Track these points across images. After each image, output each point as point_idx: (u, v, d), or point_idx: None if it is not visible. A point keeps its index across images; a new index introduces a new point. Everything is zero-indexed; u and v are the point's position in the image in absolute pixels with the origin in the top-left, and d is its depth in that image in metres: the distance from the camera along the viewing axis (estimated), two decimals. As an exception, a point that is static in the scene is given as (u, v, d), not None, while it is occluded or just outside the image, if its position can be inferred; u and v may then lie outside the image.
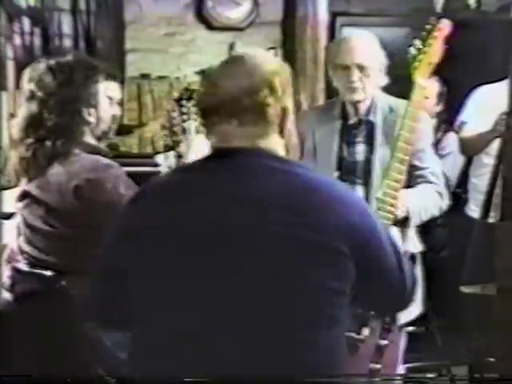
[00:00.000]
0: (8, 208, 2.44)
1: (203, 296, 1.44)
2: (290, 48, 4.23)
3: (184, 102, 2.34)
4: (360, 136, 2.48)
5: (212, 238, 1.45)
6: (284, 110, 1.52)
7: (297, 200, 1.45)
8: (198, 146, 2.24)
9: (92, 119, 2.15)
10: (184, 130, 2.31)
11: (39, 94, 2.12)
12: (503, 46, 3.29)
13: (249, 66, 1.52)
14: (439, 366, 3.29)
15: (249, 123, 1.49)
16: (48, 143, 2.09)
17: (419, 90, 2.29)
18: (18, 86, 3.52)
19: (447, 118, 3.67)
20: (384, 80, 2.47)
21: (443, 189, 2.48)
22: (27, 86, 2.14)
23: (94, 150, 2.14)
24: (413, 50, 2.30)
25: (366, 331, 2.10)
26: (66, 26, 4.09)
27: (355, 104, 2.46)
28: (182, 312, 1.45)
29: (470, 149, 3.30)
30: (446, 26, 2.28)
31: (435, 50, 2.29)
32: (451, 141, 3.56)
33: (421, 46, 2.29)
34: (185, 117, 2.33)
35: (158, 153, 3.71)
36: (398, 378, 2.25)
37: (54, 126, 2.10)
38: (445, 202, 2.48)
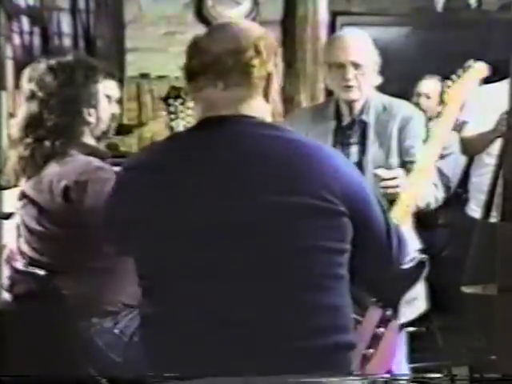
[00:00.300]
0: (8, 208, 2.44)
1: (207, 264, 1.46)
2: (290, 47, 4.22)
3: (171, 101, 2.31)
4: (354, 137, 2.46)
5: (204, 209, 1.47)
6: (269, 75, 1.54)
7: (289, 166, 1.47)
8: None
9: (92, 119, 2.15)
10: (172, 129, 2.28)
11: (40, 93, 2.11)
12: (504, 45, 3.29)
13: (235, 30, 1.55)
14: (440, 367, 3.28)
15: (234, 85, 1.51)
16: (47, 143, 2.09)
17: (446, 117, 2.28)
18: (17, 85, 3.51)
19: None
20: (378, 79, 2.45)
21: (437, 180, 2.45)
22: (27, 85, 2.14)
23: (91, 151, 2.14)
24: (447, 83, 2.29)
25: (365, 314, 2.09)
26: (66, 26, 4.10)
27: (350, 103, 2.44)
28: (188, 280, 1.47)
29: (472, 148, 3.29)
30: (482, 69, 2.26)
31: (466, 89, 2.27)
32: (452, 141, 3.55)
33: (453, 82, 2.27)
34: (172, 116, 2.30)
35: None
36: (398, 378, 2.24)
37: (54, 126, 2.10)
38: (440, 193, 2.45)
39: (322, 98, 4.10)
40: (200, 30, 4.66)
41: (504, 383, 1.56)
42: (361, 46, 2.41)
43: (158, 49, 4.29)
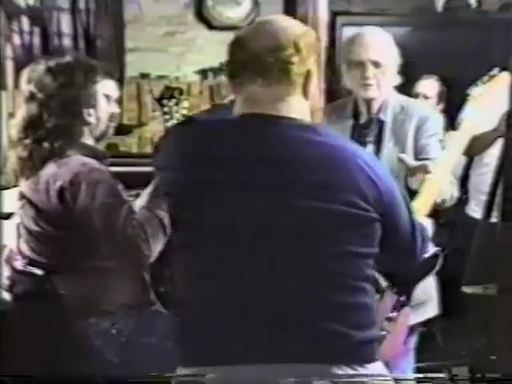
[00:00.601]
0: (8, 208, 2.44)
1: (243, 260, 1.50)
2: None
3: (165, 102, 2.29)
4: (370, 136, 2.45)
5: (241, 205, 1.51)
6: (308, 72, 1.55)
7: (325, 172, 1.50)
8: None
9: (92, 119, 2.16)
10: None
11: (39, 95, 2.12)
12: (504, 45, 3.29)
13: (275, 28, 1.56)
14: (440, 367, 3.28)
15: (273, 82, 1.53)
16: (46, 144, 2.10)
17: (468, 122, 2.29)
18: (17, 85, 3.52)
19: (448, 118, 3.66)
20: (397, 79, 2.44)
21: (452, 178, 2.45)
22: (26, 86, 2.14)
23: (90, 151, 2.14)
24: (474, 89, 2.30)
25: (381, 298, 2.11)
26: (66, 26, 4.10)
27: (368, 102, 2.42)
28: (223, 263, 1.52)
29: (473, 148, 3.28)
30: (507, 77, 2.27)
31: (490, 96, 2.29)
32: None
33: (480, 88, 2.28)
34: (167, 116, 2.28)
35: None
36: (398, 377, 2.24)
37: (54, 128, 2.11)
38: (455, 192, 2.43)
39: (322, 98, 4.10)
40: (200, 30, 4.71)
41: (504, 383, 1.58)
42: (382, 44, 2.40)
43: (158, 49, 4.30)
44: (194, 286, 1.56)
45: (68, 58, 2.18)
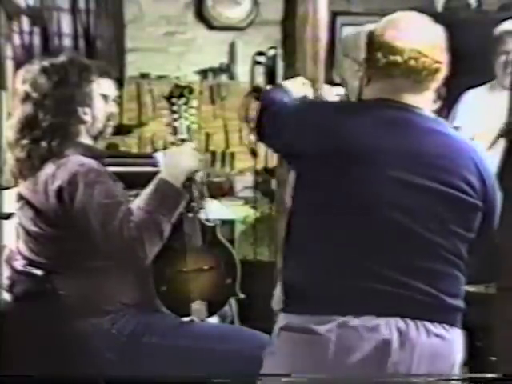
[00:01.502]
0: (8, 208, 2.44)
1: (352, 228, 1.70)
2: (290, 47, 4.22)
3: (175, 100, 2.24)
4: None
5: (367, 179, 1.70)
6: (446, 67, 1.75)
7: (443, 159, 1.70)
8: (179, 159, 2.15)
9: (87, 118, 2.16)
10: (175, 130, 2.22)
11: (34, 94, 2.11)
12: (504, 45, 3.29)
13: (425, 29, 1.74)
14: None
15: (424, 79, 1.72)
16: (43, 144, 2.10)
17: None
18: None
19: (445, 117, 3.67)
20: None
21: None
22: (22, 87, 2.14)
23: (88, 151, 2.14)
24: None
25: None
26: (66, 26, 4.12)
27: None
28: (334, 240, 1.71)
29: None
30: None
31: None
32: None
33: None
34: (175, 115, 2.22)
35: (156, 150, 3.74)
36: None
37: (50, 127, 2.10)
38: None
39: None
40: (200, 30, 4.73)
41: (504, 383, 1.59)
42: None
43: (158, 49, 4.32)
44: (316, 241, 1.74)
45: (62, 58, 2.18)
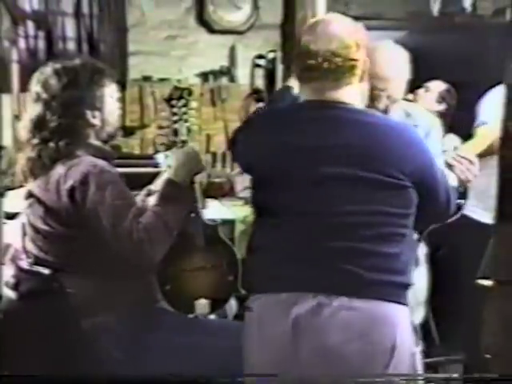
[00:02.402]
0: (12, 208, 2.49)
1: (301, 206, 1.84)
2: (289, 50, 4.25)
3: (174, 102, 2.25)
4: None
5: (303, 172, 1.84)
6: (364, 62, 1.85)
7: (367, 147, 1.81)
8: (185, 159, 2.18)
9: (96, 122, 2.16)
10: (176, 132, 2.24)
11: (44, 95, 2.14)
12: (498, 49, 3.33)
13: (338, 29, 1.83)
14: (436, 364, 3.30)
15: (341, 77, 1.83)
16: (51, 144, 2.11)
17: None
18: (22, 88, 3.58)
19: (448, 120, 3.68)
20: (404, 92, 2.49)
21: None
22: (34, 88, 2.17)
23: (98, 152, 2.16)
24: None
25: None
26: (70, 30, 4.12)
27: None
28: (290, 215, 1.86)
29: (490, 149, 3.29)
30: None
31: None
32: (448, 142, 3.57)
33: None
34: (176, 117, 2.24)
35: (158, 151, 3.76)
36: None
37: (57, 128, 2.12)
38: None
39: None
40: (201, 33, 4.73)
41: (499, 383, 1.62)
42: (401, 61, 2.43)
43: (160, 52, 4.32)
44: (265, 232, 1.91)
45: (76, 61, 2.19)
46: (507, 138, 1.75)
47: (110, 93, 2.19)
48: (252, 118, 2.17)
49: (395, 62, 2.43)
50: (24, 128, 2.18)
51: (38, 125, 2.14)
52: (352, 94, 1.86)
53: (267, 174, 1.91)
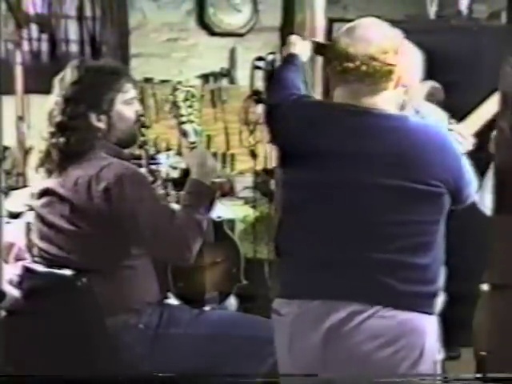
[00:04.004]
0: (16, 207, 2.54)
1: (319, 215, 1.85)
2: (288, 53, 4.29)
3: (181, 104, 2.24)
4: None
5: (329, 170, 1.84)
6: (401, 68, 1.83)
7: (401, 156, 1.79)
8: (203, 160, 2.18)
9: (101, 125, 2.13)
10: (185, 134, 2.23)
11: (57, 90, 2.14)
12: (494, 51, 3.37)
13: (376, 34, 1.82)
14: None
15: (379, 81, 1.82)
16: (54, 140, 2.11)
17: None
18: (26, 90, 3.63)
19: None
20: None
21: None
22: (59, 90, 2.15)
23: (113, 152, 2.13)
24: None
25: None
26: (73, 32, 4.17)
27: None
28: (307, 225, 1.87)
29: None
30: None
31: None
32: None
33: None
34: (183, 119, 2.23)
35: (159, 152, 3.80)
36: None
37: (58, 124, 2.11)
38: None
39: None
40: (201, 36, 4.74)
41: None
42: (417, 59, 2.41)
43: (161, 54, 4.36)
44: (289, 236, 1.92)
45: (98, 62, 2.22)
46: (502, 137, 1.78)
47: (124, 99, 2.15)
48: (297, 105, 2.05)
49: (413, 60, 2.37)
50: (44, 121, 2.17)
51: (49, 118, 2.14)
52: (387, 100, 1.85)
53: (300, 174, 1.90)
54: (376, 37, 1.81)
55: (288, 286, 1.89)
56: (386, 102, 1.85)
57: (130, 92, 2.17)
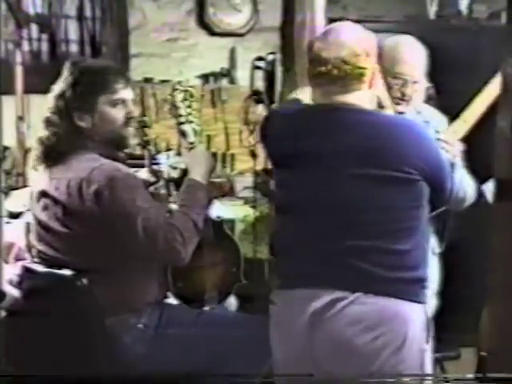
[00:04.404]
0: (16, 207, 2.54)
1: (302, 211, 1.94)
2: (288, 53, 4.28)
3: (180, 104, 2.26)
4: None
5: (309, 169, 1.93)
6: (374, 69, 1.92)
7: (375, 146, 1.86)
8: (202, 160, 2.20)
9: (84, 124, 2.11)
10: (183, 134, 2.24)
11: (56, 91, 2.15)
12: (493, 51, 3.37)
13: (348, 37, 1.90)
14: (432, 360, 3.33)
15: (349, 83, 1.89)
16: (44, 134, 2.12)
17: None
18: (26, 89, 3.64)
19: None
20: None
21: (471, 181, 2.46)
22: (60, 86, 2.16)
23: (109, 155, 2.13)
24: None
25: None
26: (73, 32, 4.17)
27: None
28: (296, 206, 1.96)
29: None
30: None
31: None
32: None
33: None
34: (182, 119, 2.25)
35: (159, 152, 3.80)
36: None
37: (44, 120, 2.12)
38: (472, 193, 2.46)
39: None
40: (201, 36, 4.74)
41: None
42: (421, 63, 2.42)
43: (161, 54, 4.35)
44: (280, 231, 2.03)
45: (94, 62, 2.25)
46: (502, 137, 1.78)
47: (110, 99, 2.12)
48: (272, 116, 2.21)
49: (421, 65, 2.42)
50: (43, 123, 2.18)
51: (46, 120, 2.15)
52: (359, 99, 1.92)
53: (286, 175, 2.00)
54: (348, 40, 1.88)
55: (280, 278, 1.99)
56: (359, 100, 1.92)
57: (119, 93, 2.13)
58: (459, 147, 2.33)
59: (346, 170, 1.87)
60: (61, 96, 2.12)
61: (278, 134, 2.03)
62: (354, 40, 1.89)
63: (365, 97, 1.94)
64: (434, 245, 2.55)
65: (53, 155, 2.11)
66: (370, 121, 1.91)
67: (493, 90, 2.35)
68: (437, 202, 2.02)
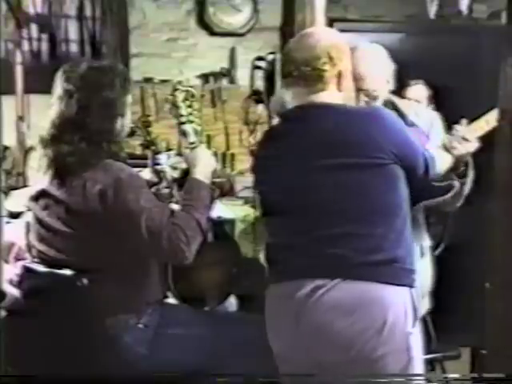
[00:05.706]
0: (17, 207, 2.54)
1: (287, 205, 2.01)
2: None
3: (181, 104, 2.26)
4: None
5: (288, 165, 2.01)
6: (339, 73, 2.00)
7: (344, 136, 1.94)
8: (204, 159, 2.21)
9: (119, 126, 2.13)
10: (184, 134, 2.24)
11: (77, 95, 2.07)
12: (493, 51, 3.37)
13: (312, 41, 2.00)
14: (432, 360, 3.33)
15: (312, 84, 1.98)
16: (82, 145, 2.06)
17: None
18: (26, 89, 3.64)
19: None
20: (389, 86, 2.55)
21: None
22: (66, 86, 2.09)
23: (114, 156, 2.12)
24: None
25: None
26: (73, 32, 4.18)
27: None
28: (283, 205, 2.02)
29: None
30: None
31: None
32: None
33: None
34: (183, 119, 2.25)
35: (159, 152, 3.80)
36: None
37: (89, 131, 2.07)
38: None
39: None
40: (201, 36, 4.75)
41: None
42: (375, 59, 2.50)
43: (161, 54, 4.36)
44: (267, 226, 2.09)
45: (109, 63, 2.20)
46: (502, 137, 1.77)
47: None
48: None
49: (371, 61, 2.48)
50: (50, 125, 2.10)
51: (69, 124, 2.08)
52: (327, 99, 2.00)
53: (263, 175, 2.11)
54: (313, 43, 1.98)
55: (271, 273, 2.05)
56: (325, 100, 1.99)
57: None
58: (474, 145, 2.32)
59: (318, 163, 1.95)
60: (108, 100, 2.10)
61: (265, 144, 2.15)
62: (317, 43, 1.98)
63: (334, 98, 2.01)
64: (426, 242, 2.58)
65: (64, 172, 2.09)
66: (337, 113, 1.98)
67: None
68: (415, 184, 2.05)
